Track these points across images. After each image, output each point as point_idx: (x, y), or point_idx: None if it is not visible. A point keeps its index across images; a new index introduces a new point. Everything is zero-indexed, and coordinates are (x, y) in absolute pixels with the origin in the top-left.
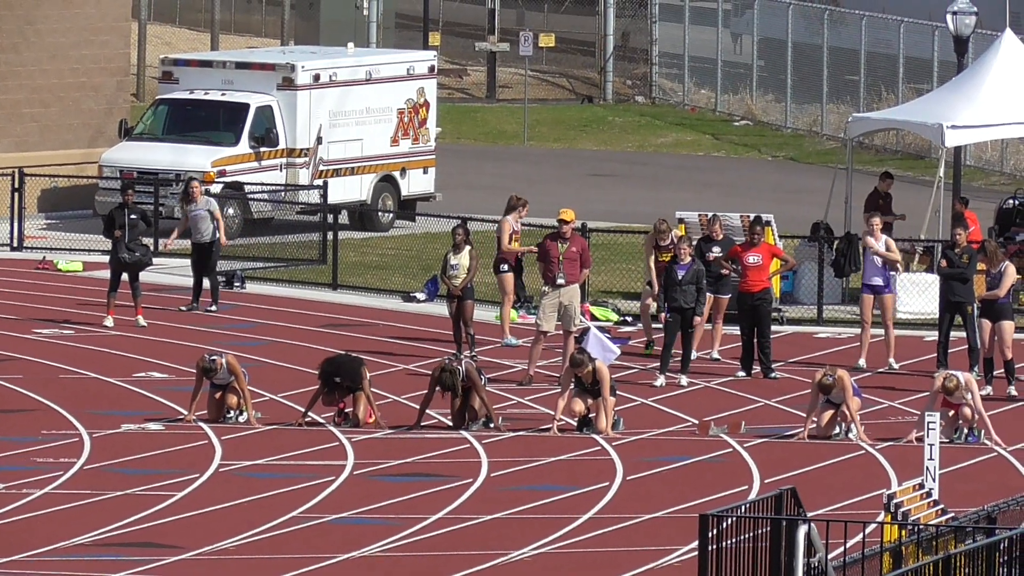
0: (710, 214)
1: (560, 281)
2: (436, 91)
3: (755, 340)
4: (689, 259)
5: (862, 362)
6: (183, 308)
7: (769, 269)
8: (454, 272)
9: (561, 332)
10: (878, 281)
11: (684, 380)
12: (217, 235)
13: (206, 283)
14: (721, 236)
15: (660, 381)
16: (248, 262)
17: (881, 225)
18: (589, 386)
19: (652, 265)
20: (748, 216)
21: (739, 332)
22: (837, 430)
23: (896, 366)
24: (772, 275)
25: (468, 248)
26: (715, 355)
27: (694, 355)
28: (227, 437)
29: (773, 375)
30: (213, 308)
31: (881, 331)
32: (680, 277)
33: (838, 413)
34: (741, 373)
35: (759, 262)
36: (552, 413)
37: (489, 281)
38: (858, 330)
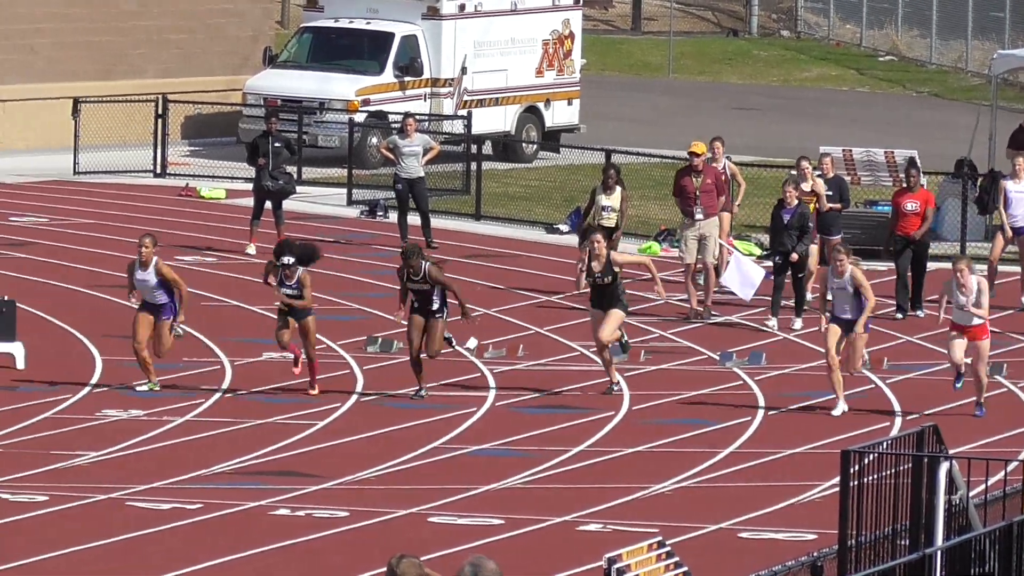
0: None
1: (698, 216)
2: (581, 22)
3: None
4: (795, 202)
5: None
6: (404, 245)
7: (924, 214)
8: (606, 214)
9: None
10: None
11: (798, 323)
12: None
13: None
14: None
15: (772, 323)
16: (390, 191)
17: None
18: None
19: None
20: (892, 152)
21: (895, 272)
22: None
23: None
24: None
25: (619, 189)
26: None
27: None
28: (369, 367)
29: (919, 312)
30: (435, 244)
31: (1015, 268)
32: (786, 221)
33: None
34: (899, 315)
35: (917, 209)
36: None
37: (631, 214)
38: (1007, 268)
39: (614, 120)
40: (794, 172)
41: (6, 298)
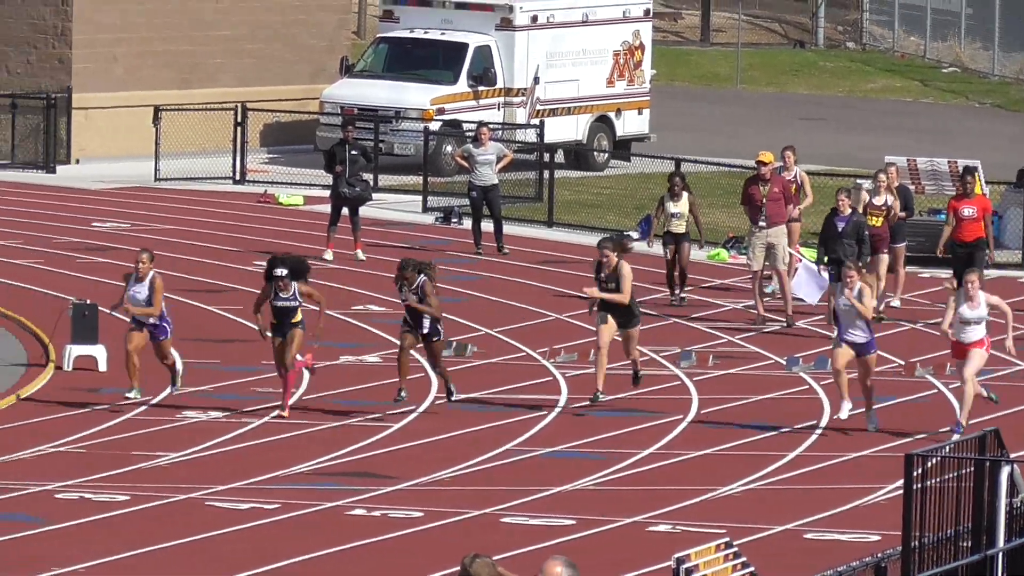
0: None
1: (762, 224)
2: (651, 34)
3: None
4: (849, 210)
5: None
6: (479, 252)
7: (982, 221)
8: (676, 220)
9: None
10: None
11: None
12: (496, 180)
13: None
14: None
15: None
16: (464, 199)
17: None
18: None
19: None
20: (955, 162)
21: (953, 277)
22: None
23: None
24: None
25: (686, 195)
26: (896, 303)
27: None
28: None
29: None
30: (507, 250)
31: None
32: (840, 229)
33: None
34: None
35: (974, 215)
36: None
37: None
38: None
39: (683, 130)
40: (860, 182)
41: (88, 302)
